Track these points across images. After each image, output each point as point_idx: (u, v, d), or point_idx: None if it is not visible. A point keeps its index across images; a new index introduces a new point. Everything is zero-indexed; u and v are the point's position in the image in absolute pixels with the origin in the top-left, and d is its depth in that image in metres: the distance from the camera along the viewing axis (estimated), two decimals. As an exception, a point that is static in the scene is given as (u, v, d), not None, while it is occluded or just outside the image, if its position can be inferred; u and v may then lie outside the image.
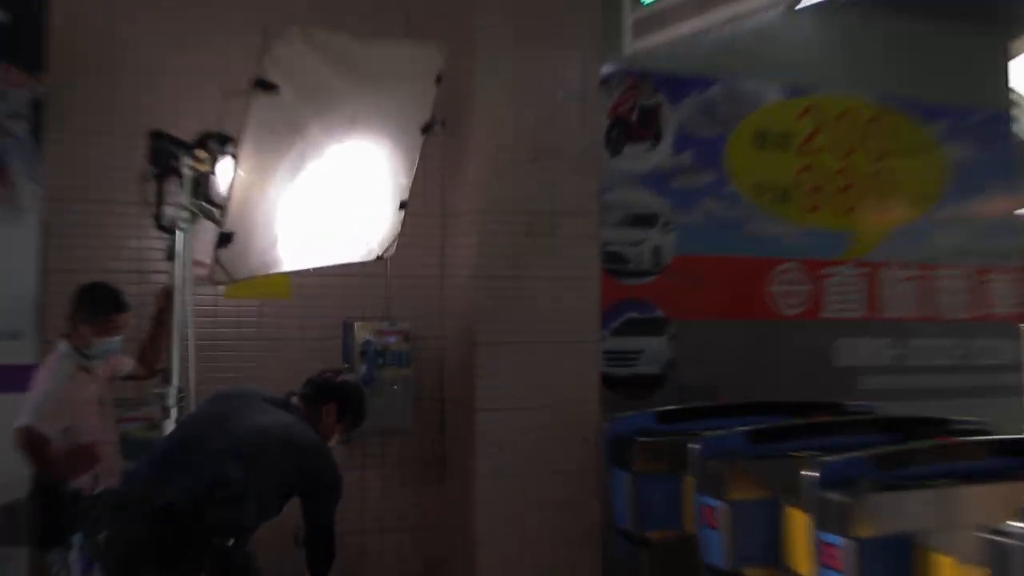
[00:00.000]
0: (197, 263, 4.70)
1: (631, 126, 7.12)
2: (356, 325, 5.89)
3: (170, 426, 4.30)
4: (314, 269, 5.04)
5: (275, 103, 4.23)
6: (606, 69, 6.65)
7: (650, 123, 7.19)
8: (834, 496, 4.24)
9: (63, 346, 4.58)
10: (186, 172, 4.52)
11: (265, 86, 4.19)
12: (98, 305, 4.61)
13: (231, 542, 3.59)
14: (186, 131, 4.89)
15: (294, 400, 4.18)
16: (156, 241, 5.09)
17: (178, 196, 4.66)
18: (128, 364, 4.90)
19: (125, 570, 3.55)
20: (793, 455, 4.99)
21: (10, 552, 4.79)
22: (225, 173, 4.46)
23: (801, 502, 4.50)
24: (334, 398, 4.24)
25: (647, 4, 5.37)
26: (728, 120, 7.44)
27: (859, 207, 7.85)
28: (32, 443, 4.30)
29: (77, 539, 3.82)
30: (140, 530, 3.48)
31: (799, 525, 4.58)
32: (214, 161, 4.45)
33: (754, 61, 7.40)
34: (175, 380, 4.39)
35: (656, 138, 7.20)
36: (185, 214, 4.52)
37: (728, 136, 7.44)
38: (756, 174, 7.52)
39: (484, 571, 5.81)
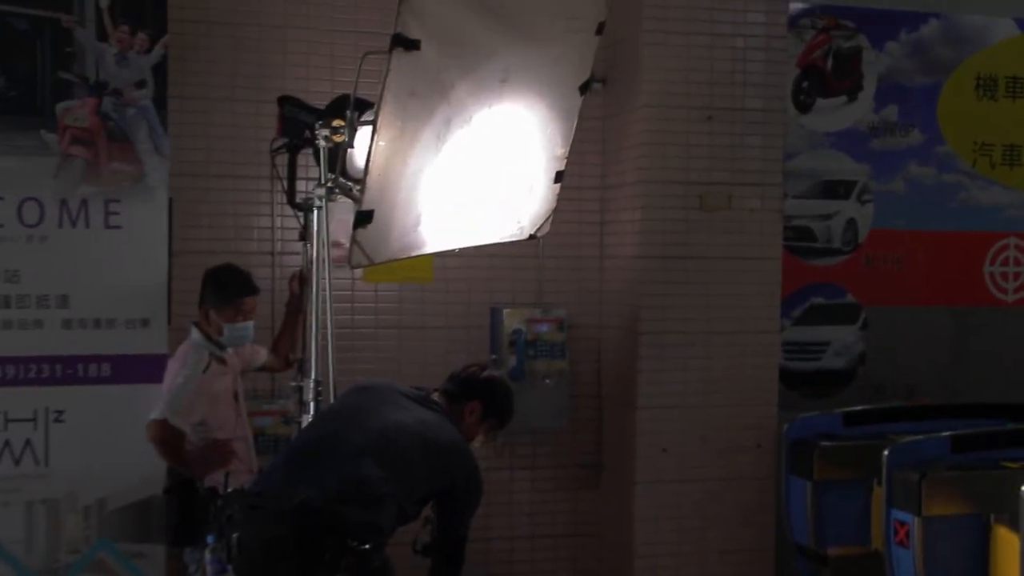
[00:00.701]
0: (335, 244, 4.98)
1: (825, 76, 7.14)
2: (505, 312, 6.17)
3: (307, 421, 4.65)
4: (460, 251, 5.23)
5: (416, 62, 4.23)
6: (796, 6, 6.75)
7: (848, 71, 7.20)
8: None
9: (195, 334, 5.02)
10: (321, 143, 4.72)
11: (405, 43, 4.17)
12: (227, 288, 5.03)
13: (368, 546, 3.82)
14: (318, 96, 5.24)
15: (435, 396, 4.39)
16: (289, 220, 5.48)
17: (312, 170, 4.94)
18: (262, 354, 5.34)
19: (259, 572, 3.87)
20: (1005, 465, 5.09)
21: (146, 549, 5.29)
22: (363, 144, 4.54)
23: (1014, 520, 4.64)
24: (477, 396, 4.42)
25: None
26: (945, 65, 7.38)
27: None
28: (167, 438, 4.76)
29: (210, 539, 4.19)
30: (275, 531, 3.77)
31: (1009, 547, 4.71)
32: (352, 131, 4.59)
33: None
34: (313, 372, 4.71)
35: (855, 90, 7.21)
36: (320, 190, 4.73)
37: (944, 84, 7.38)
38: (978, 130, 7.44)
39: (644, 586, 6.08)
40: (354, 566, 3.80)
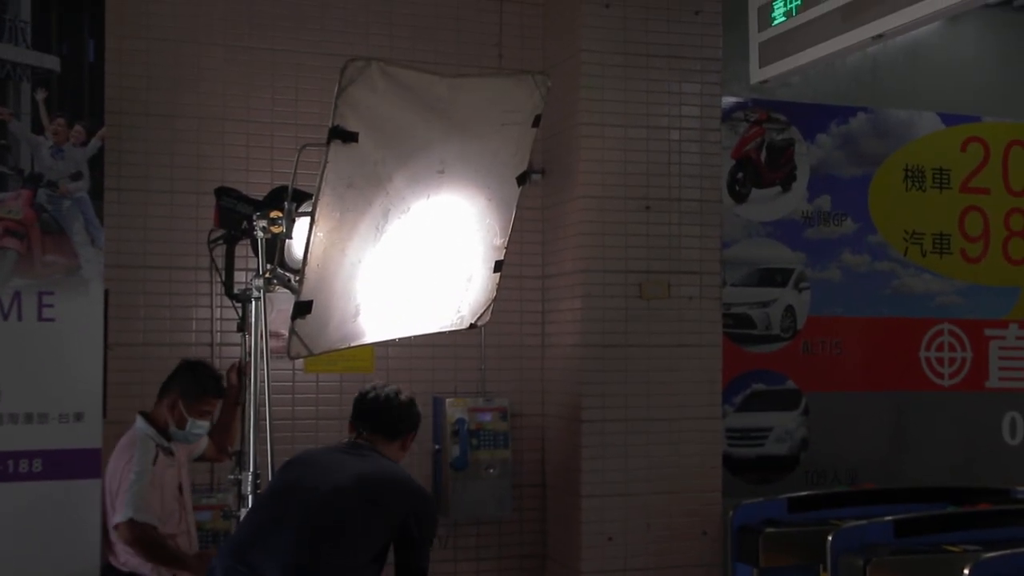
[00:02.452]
0: (274, 335, 4.96)
1: (759, 167, 7.26)
2: (448, 402, 6.15)
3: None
4: (400, 340, 5.22)
5: (354, 154, 4.23)
6: (729, 100, 6.86)
7: (781, 163, 7.33)
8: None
9: (140, 424, 4.89)
10: (259, 234, 4.63)
11: (343, 135, 4.16)
12: (200, 384, 4.95)
13: None
14: (258, 188, 5.25)
15: (363, 440, 4.33)
16: (228, 311, 5.41)
17: (251, 261, 4.85)
18: (203, 443, 5.23)
19: None
20: (947, 549, 5.08)
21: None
22: (301, 235, 4.50)
23: (957, 606, 4.57)
24: (412, 426, 4.42)
25: (777, 23, 5.24)
26: (875, 157, 7.54)
27: (1033, 256, 7.80)
28: (140, 536, 4.61)
29: None
30: None
31: (953, 630, 4.64)
32: (290, 222, 4.56)
33: (905, 85, 7.55)
34: (251, 465, 4.61)
35: (788, 180, 7.34)
36: (259, 281, 4.67)
37: (873, 176, 7.53)
38: (907, 220, 7.58)
39: None
40: None
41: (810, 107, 7.39)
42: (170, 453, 4.90)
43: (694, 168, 6.31)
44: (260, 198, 4.95)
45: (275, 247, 4.65)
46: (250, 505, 4.56)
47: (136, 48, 5.87)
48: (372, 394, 4.42)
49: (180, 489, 4.97)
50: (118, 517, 4.64)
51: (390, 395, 4.41)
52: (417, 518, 4.09)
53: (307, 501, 4.00)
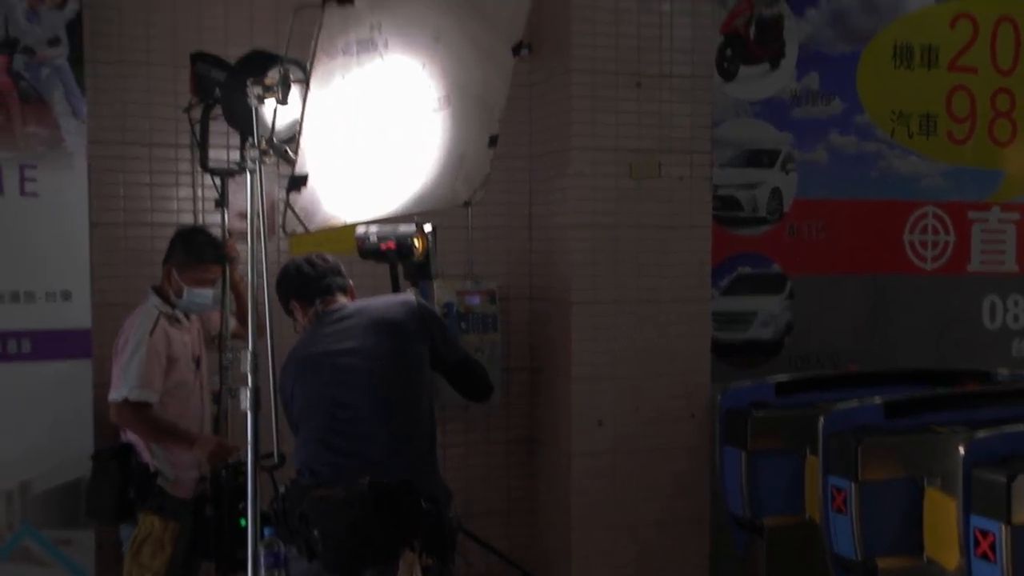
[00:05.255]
0: (240, 215, 4.93)
1: (748, 44, 7.19)
2: (435, 284, 6.10)
3: (247, 394, 4.53)
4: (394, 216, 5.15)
5: (348, 17, 4.16)
6: (718, -28, 6.77)
7: (770, 39, 7.25)
8: (987, 476, 4.46)
9: (151, 297, 4.91)
10: (253, 102, 4.59)
11: None
12: (195, 252, 4.93)
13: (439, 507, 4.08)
14: (237, 55, 5.09)
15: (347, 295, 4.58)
16: (211, 189, 5.33)
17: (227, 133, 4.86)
18: (228, 323, 5.16)
19: (348, 560, 3.98)
20: (936, 429, 5.20)
21: (74, 536, 5.16)
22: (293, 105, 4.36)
23: (947, 483, 4.75)
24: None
25: None
26: (864, 33, 7.48)
27: (1020, 138, 7.84)
28: (129, 417, 4.67)
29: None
30: (355, 515, 3.93)
31: (943, 509, 4.80)
32: (286, 89, 4.25)
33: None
34: (250, 345, 4.60)
35: (777, 58, 7.27)
36: (253, 152, 4.62)
37: (862, 53, 7.48)
38: (895, 99, 7.55)
39: (580, 560, 6.12)
40: (432, 528, 4.06)
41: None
42: (177, 321, 4.88)
43: (685, 43, 6.26)
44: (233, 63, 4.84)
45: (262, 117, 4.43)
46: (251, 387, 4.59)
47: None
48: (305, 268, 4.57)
49: (197, 361, 4.97)
50: (112, 395, 4.66)
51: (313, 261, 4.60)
52: (433, 318, 4.47)
53: (362, 373, 4.23)
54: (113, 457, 4.69)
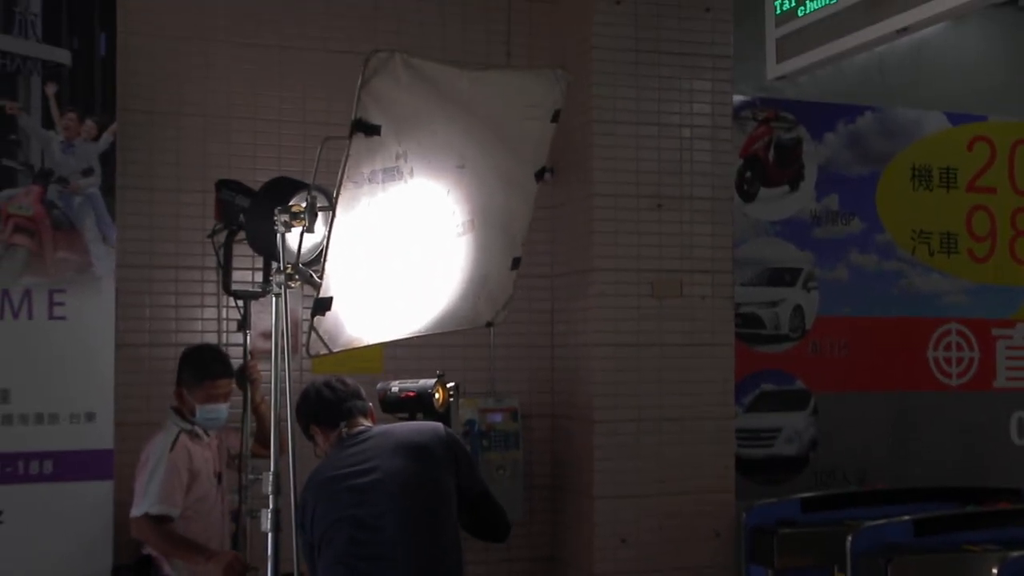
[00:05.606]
0: (264, 335, 4.94)
1: (767, 166, 7.35)
2: (457, 402, 6.13)
3: (268, 515, 4.54)
4: (413, 338, 5.16)
5: (376, 147, 4.23)
6: (737, 98, 6.93)
7: (789, 162, 7.42)
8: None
9: (172, 416, 4.94)
10: (280, 229, 4.71)
11: (366, 128, 4.14)
12: (201, 369, 4.95)
13: None
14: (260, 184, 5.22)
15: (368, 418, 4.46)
16: (234, 311, 5.28)
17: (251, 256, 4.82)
18: (245, 441, 5.20)
19: None
20: (967, 548, 5.17)
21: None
22: (317, 231, 4.41)
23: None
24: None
25: (800, 15, 4.99)
26: (882, 156, 7.64)
27: (1041, 256, 7.92)
28: (149, 531, 4.65)
29: None
30: None
31: (975, 630, 4.76)
32: (313, 216, 4.33)
33: (911, 84, 7.66)
34: (272, 465, 4.62)
35: (796, 179, 7.43)
36: (279, 277, 4.70)
37: (881, 175, 7.63)
38: (915, 219, 7.68)
39: None
40: None
41: (818, 106, 7.47)
42: (198, 436, 4.92)
43: (705, 166, 6.39)
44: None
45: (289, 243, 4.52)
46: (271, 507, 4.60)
47: (140, 44, 5.87)
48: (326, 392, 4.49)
49: (218, 477, 4.99)
50: (133, 511, 4.69)
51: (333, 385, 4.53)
52: (459, 446, 4.32)
53: (383, 492, 4.11)
54: (135, 572, 4.69)
